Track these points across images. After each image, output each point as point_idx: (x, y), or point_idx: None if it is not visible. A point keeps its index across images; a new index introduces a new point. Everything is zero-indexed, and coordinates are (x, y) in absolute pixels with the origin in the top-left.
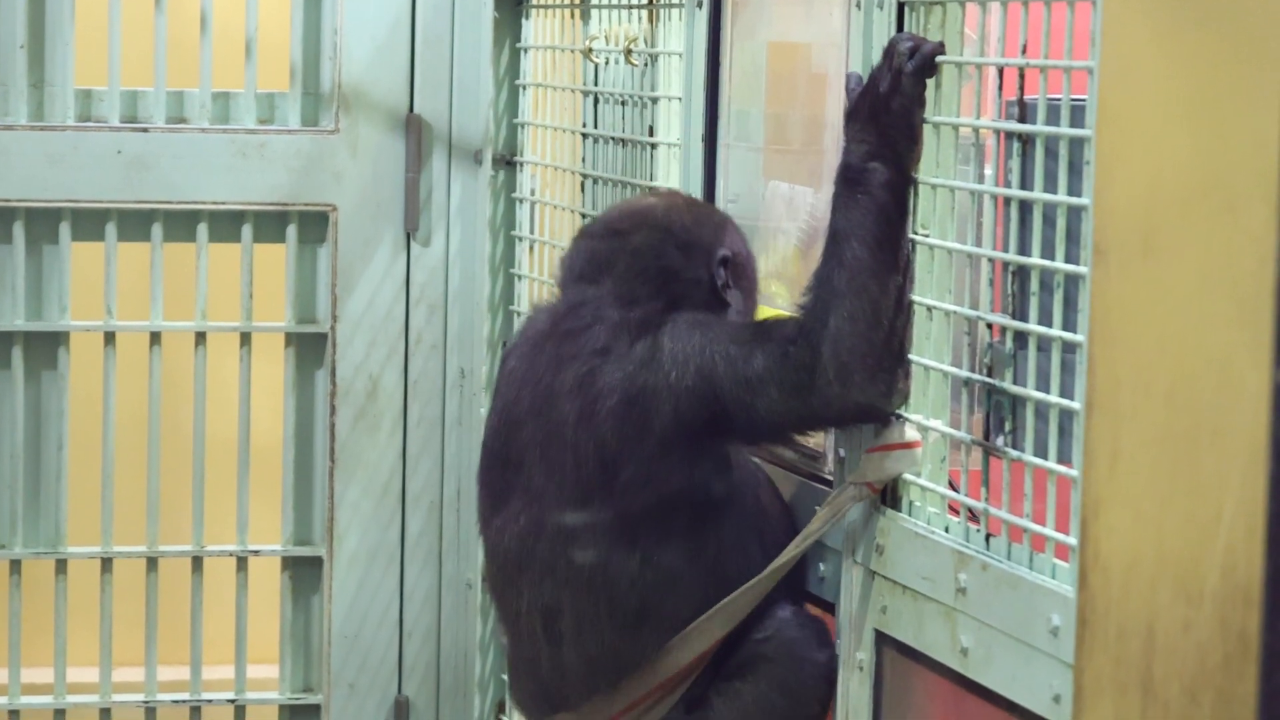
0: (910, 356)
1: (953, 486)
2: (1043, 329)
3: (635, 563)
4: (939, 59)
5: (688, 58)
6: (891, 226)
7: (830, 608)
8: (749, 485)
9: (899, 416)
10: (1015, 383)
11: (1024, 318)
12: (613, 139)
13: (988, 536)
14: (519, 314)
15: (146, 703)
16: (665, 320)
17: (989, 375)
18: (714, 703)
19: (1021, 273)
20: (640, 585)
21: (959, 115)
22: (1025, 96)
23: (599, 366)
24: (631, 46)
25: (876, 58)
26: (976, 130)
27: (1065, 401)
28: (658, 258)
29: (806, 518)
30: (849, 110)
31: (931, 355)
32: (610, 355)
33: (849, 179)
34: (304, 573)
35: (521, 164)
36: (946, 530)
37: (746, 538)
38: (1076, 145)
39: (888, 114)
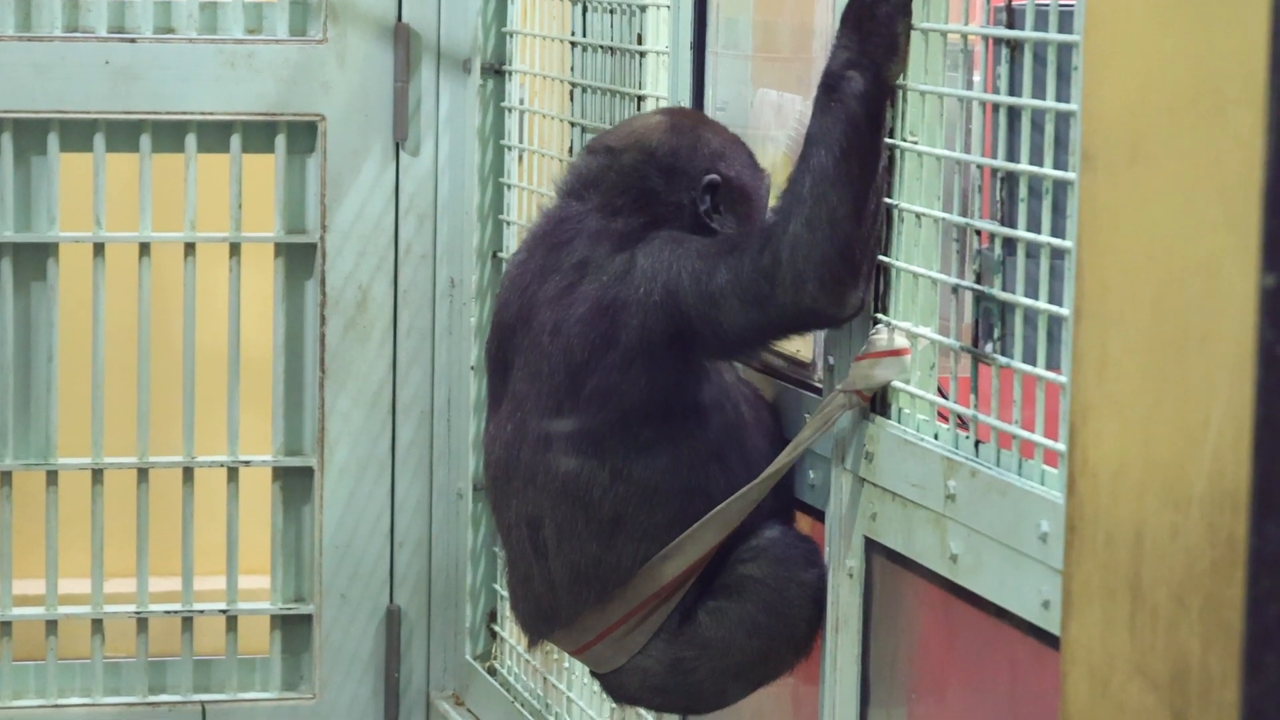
0: (898, 263)
1: (942, 393)
2: (1031, 235)
3: (606, 473)
4: None
5: None
6: (860, 137)
7: (820, 515)
8: (729, 399)
9: (888, 324)
10: (1004, 289)
11: (1012, 224)
12: (601, 47)
13: (977, 443)
14: (508, 223)
15: (138, 613)
16: (644, 236)
17: (978, 282)
18: (701, 620)
19: (1010, 179)
20: (613, 496)
21: (947, 21)
22: (1013, 2)
23: (577, 280)
24: None
25: None
26: (965, 36)
27: (1054, 308)
28: (641, 179)
29: (796, 426)
30: (842, 15)
31: (920, 262)
32: (588, 267)
33: (828, 86)
34: (295, 483)
35: (510, 73)
36: (936, 437)
37: (726, 451)
38: (1065, 51)
39: (871, 21)
